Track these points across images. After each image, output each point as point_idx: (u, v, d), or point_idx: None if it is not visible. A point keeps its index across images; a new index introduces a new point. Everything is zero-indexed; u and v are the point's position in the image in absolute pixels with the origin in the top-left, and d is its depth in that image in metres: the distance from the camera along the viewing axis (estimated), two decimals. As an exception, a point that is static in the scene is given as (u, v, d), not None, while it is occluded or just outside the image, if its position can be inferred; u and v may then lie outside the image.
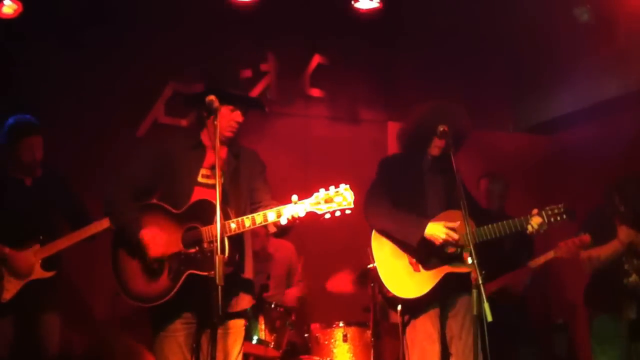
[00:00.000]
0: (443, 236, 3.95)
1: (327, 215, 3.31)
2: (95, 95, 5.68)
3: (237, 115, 3.64)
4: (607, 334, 4.47)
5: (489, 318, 3.39)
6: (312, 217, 3.34)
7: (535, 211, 3.94)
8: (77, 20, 5.57)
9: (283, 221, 3.35)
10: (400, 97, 6.46)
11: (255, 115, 3.92)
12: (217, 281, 3.09)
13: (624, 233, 4.41)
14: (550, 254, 4.71)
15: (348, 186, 3.33)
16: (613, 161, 4.71)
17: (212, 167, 3.57)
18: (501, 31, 5.95)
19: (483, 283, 3.45)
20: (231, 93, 3.62)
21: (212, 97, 3.44)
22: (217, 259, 3.13)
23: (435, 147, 4.14)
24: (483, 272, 3.50)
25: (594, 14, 5.44)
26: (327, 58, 6.42)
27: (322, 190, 3.32)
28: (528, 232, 3.95)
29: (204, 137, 3.68)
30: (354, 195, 3.32)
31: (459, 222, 3.92)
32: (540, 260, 4.86)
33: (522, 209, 4.20)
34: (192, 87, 5.78)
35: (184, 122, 6.01)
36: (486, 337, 3.82)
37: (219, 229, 3.19)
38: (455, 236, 3.94)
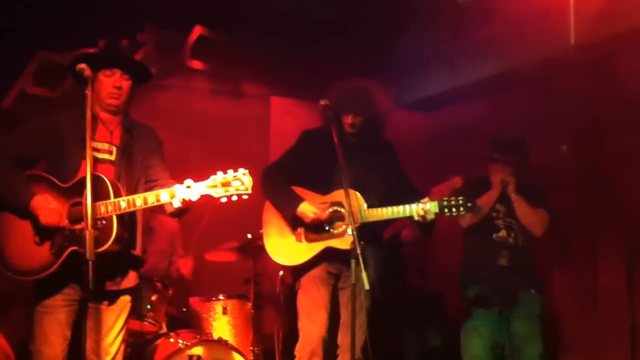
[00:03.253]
0: (311, 215, 4.06)
1: (224, 199, 3.25)
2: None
3: (116, 80, 3.49)
4: (476, 324, 4.63)
5: (366, 287, 3.50)
6: (207, 200, 3.28)
7: (426, 199, 3.99)
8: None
9: (176, 204, 3.27)
10: (283, 73, 6.44)
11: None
12: (87, 256, 3.03)
13: (495, 175, 4.66)
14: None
15: (247, 171, 3.27)
16: (490, 138, 4.88)
17: (104, 141, 3.51)
18: (383, 10, 6.00)
19: (362, 254, 3.54)
20: (100, 54, 3.51)
21: (82, 66, 3.30)
22: (88, 233, 3.07)
23: (345, 124, 4.17)
24: (362, 242, 3.57)
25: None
26: (208, 30, 6.29)
27: (219, 173, 3.26)
28: (415, 219, 3.98)
29: (94, 107, 3.52)
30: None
31: (328, 204, 4.09)
32: None
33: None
34: (62, 56, 5.52)
35: (53, 93, 5.73)
36: (364, 305, 3.98)
37: (90, 202, 3.12)
38: (322, 216, 4.05)
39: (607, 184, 4.65)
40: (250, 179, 3.27)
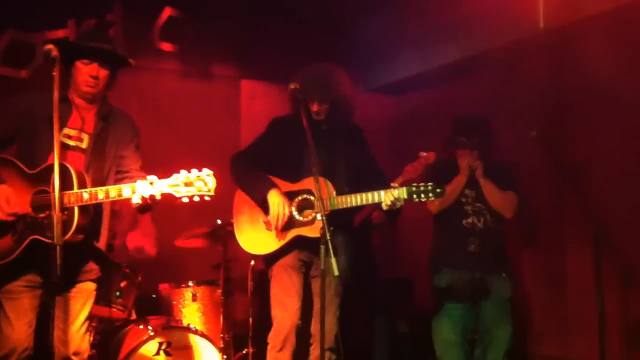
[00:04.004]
0: (274, 208, 3.98)
1: (185, 199, 3.21)
2: None
3: (93, 69, 3.45)
4: (447, 307, 4.68)
5: (335, 272, 3.44)
6: (168, 199, 3.23)
7: (395, 184, 3.94)
8: None
9: (135, 200, 3.25)
10: (254, 55, 6.37)
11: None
12: (55, 240, 2.99)
13: (463, 160, 4.69)
14: (399, 180, 4.69)
15: (211, 172, 3.22)
16: (453, 118, 4.89)
17: (76, 128, 3.48)
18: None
19: (331, 239, 3.50)
20: (75, 44, 3.44)
21: (50, 46, 3.22)
22: (55, 217, 3.03)
23: (312, 112, 4.12)
24: (331, 228, 3.54)
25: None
26: (178, 11, 6.20)
27: (183, 171, 3.21)
28: (384, 206, 3.91)
29: (70, 93, 3.50)
30: (209, 168, 3.23)
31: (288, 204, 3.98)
32: None
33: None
34: (31, 35, 5.47)
35: (23, 74, 5.62)
36: (336, 292, 3.99)
37: (57, 187, 3.08)
38: (277, 222, 3.97)
39: (574, 170, 4.68)
40: (214, 180, 3.22)
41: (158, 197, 3.24)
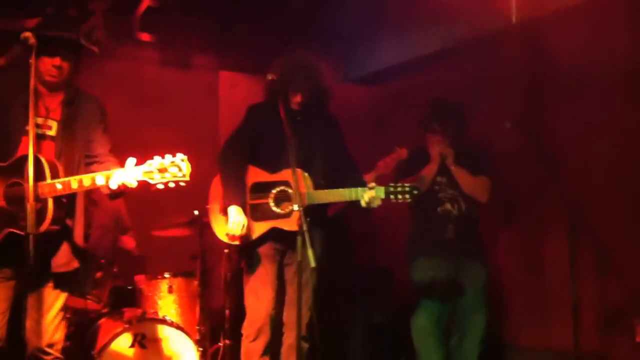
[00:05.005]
0: (229, 225, 3.95)
1: (160, 186, 3.16)
2: None
3: (56, 60, 3.40)
4: (423, 304, 4.73)
5: (312, 264, 3.43)
6: (144, 186, 3.18)
7: (372, 184, 3.93)
8: None
9: (112, 186, 3.21)
10: (233, 46, 6.36)
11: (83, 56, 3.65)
12: (28, 229, 2.97)
13: (434, 147, 4.70)
14: (372, 175, 4.68)
15: (185, 157, 3.16)
16: (429, 100, 4.90)
17: (42, 116, 3.42)
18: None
19: (307, 230, 3.48)
20: (42, 33, 3.35)
21: (27, 34, 3.20)
22: (29, 206, 3.02)
23: (293, 102, 4.10)
24: (308, 219, 3.52)
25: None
26: (157, 1, 6.15)
27: (157, 158, 3.16)
28: (363, 204, 3.90)
29: (35, 81, 3.40)
30: (189, 161, 3.18)
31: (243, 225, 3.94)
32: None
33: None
34: (9, 23, 5.29)
35: (1, 61, 5.57)
36: (310, 282, 3.98)
37: (32, 174, 3.07)
38: (233, 235, 3.96)
39: (550, 158, 4.68)
40: (189, 165, 3.16)
41: (134, 186, 3.19)
